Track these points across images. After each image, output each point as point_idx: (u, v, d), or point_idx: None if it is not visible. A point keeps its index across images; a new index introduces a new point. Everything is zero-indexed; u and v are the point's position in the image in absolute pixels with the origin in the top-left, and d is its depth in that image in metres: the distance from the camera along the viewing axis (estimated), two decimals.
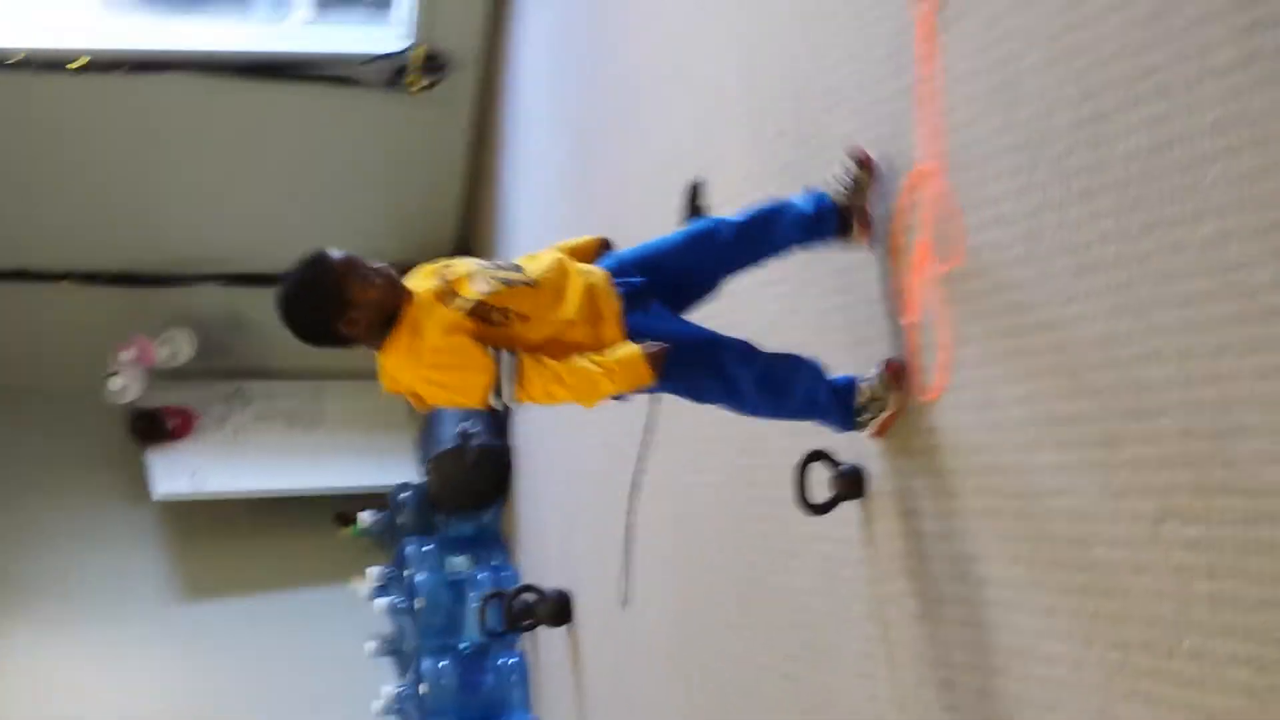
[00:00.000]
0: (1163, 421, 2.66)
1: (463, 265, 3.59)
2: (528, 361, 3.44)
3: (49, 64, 7.96)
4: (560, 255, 3.68)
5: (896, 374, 3.60)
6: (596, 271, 3.65)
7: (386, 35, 8.39)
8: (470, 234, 8.83)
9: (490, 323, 3.45)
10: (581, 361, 3.46)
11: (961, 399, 3.40)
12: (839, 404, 3.66)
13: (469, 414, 7.65)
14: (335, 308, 3.45)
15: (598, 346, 3.50)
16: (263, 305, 8.64)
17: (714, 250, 3.77)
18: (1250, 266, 2.46)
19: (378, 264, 3.52)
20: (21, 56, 7.90)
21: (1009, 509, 3.21)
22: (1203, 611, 2.51)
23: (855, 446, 3.82)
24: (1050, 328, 3.06)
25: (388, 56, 8.22)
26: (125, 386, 8.47)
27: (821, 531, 4.05)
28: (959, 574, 3.40)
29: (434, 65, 8.27)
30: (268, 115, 8.26)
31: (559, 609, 6.85)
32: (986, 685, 3.32)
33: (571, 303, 3.52)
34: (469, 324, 3.43)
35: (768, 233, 3.76)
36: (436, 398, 3.52)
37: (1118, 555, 2.76)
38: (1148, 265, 2.73)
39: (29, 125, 8.11)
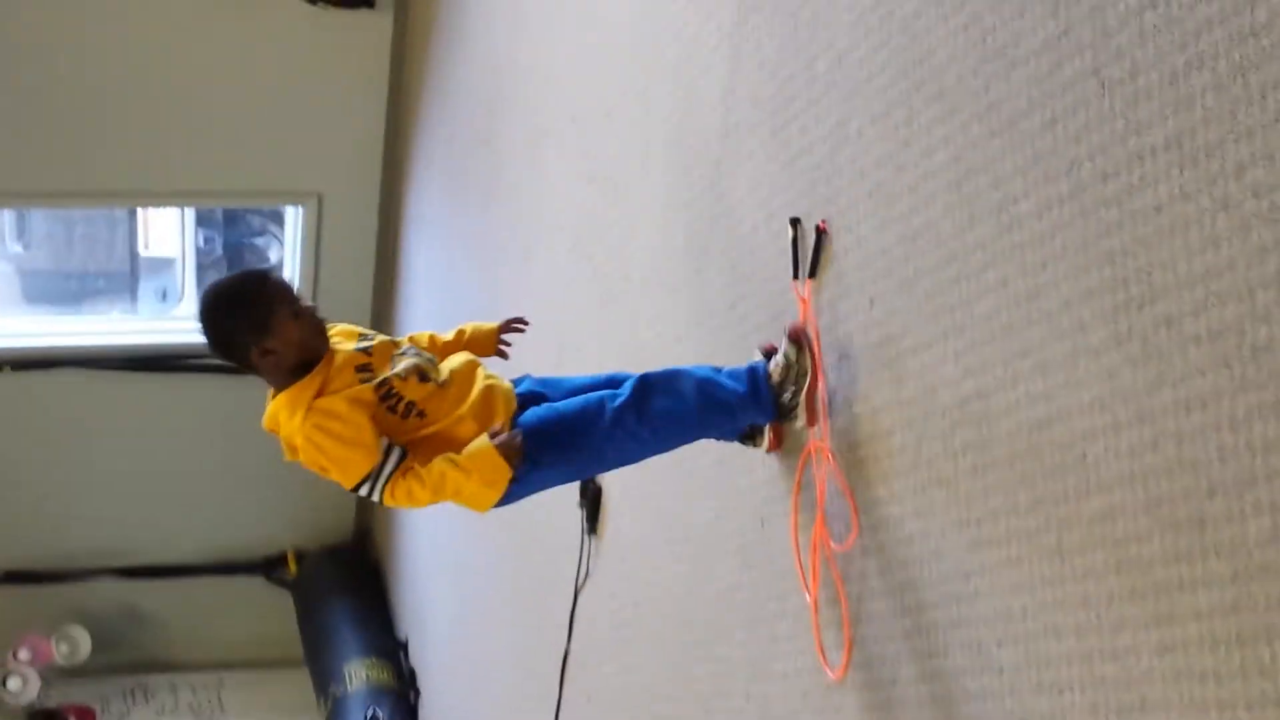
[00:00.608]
0: (1066, 697, 2.66)
1: (387, 342, 3.55)
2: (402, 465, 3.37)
3: None
4: (473, 359, 3.62)
5: (797, 334, 3.46)
6: (504, 383, 3.60)
7: None
8: (369, 517, 8.79)
9: (390, 408, 3.39)
10: (440, 463, 3.35)
11: (865, 678, 3.37)
12: (751, 394, 3.50)
13: (376, 696, 7.57)
14: (255, 331, 3.38)
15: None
16: (159, 597, 8.67)
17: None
18: (1140, 541, 2.48)
19: (313, 307, 3.47)
20: None
21: None
22: None
23: None
24: (949, 603, 3.06)
25: None
26: (22, 687, 8.32)
27: None
28: None
29: None
30: (158, 406, 8.25)
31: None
32: None
33: (468, 400, 3.46)
34: (373, 402, 3.36)
35: (663, 394, 3.53)
36: (312, 460, 3.39)
37: None
38: (1039, 540, 2.74)
39: None
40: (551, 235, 5.53)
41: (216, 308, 3.46)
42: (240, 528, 8.59)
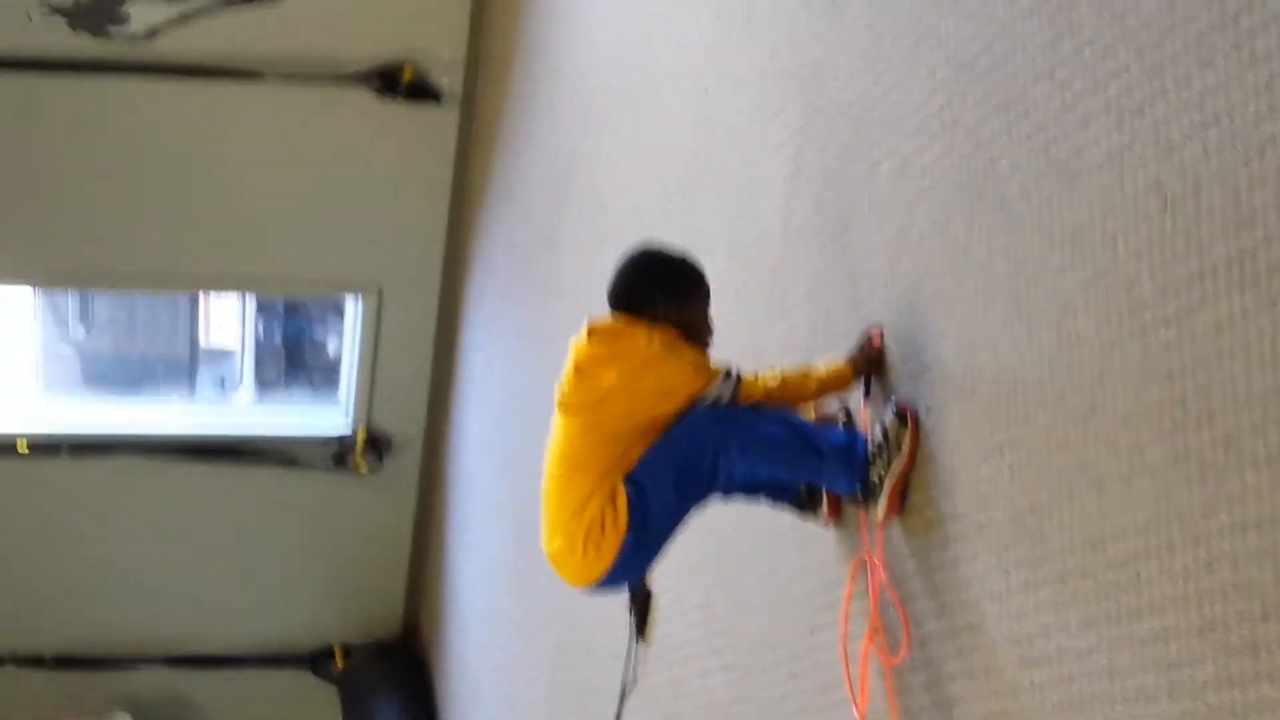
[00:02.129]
0: None
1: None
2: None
3: None
4: None
5: (904, 408, 3.40)
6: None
7: (330, 418, 8.49)
8: (417, 612, 8.78)
9: None
10: None
11: None
12: (847, 448, 3.48)
13: None
14: (677, 299, 3.61)
15: None
16: (205, 687, 8.67)
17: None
18: (1193, 665, 2.45)
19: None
20: None
21: None
22: None
23: None
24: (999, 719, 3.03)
25: (332, 440, 8.30)
26: None
27: None
28: None
29: (378, 447, 8.36)
30: (212, 496, 8.28)
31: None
32: None
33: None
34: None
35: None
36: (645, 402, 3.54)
37: None
38: (1090, 661, 2.71)
39: None
40: None
41: (666, 264, 3.70)
42: (289, 620, 8.60)
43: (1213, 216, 2.40)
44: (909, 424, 3.34)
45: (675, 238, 4.91)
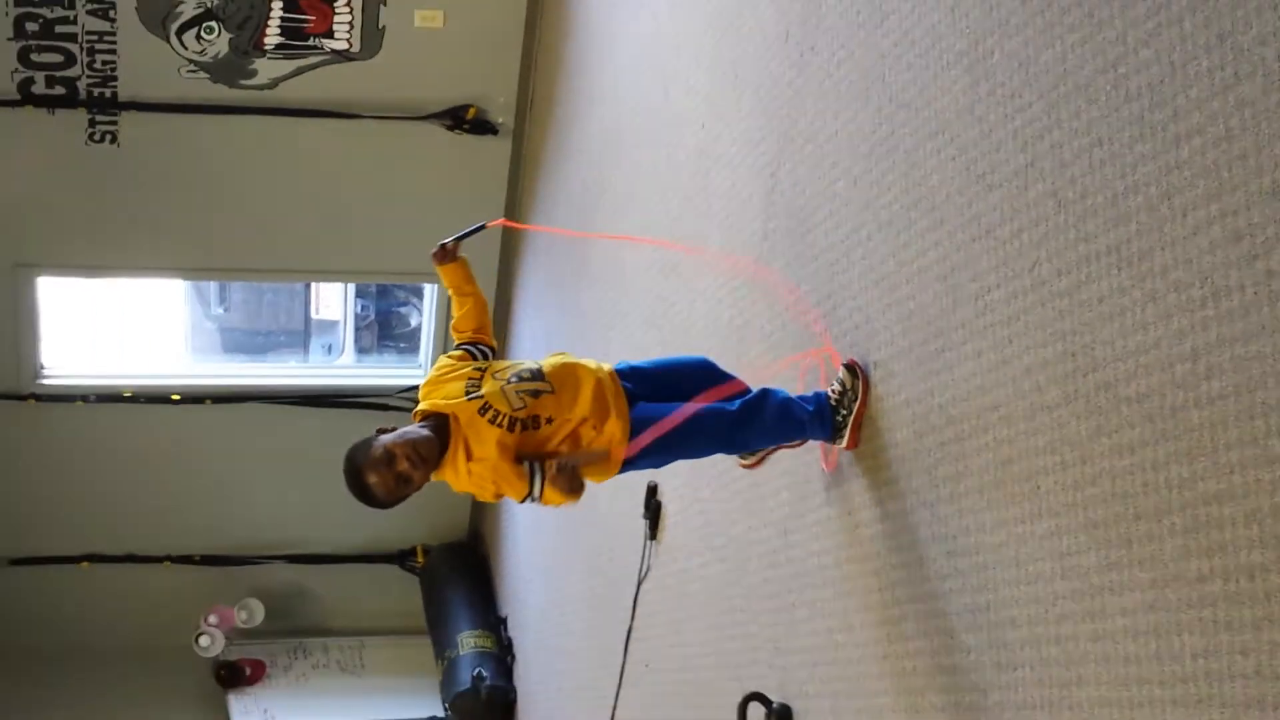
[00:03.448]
0: (1028, 627, 2.64)
1: (490, 381, 3.24)
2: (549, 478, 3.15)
3: (152, 398, 8.04)
4: (564, 358, 3.34)
5: (853, 363, 3.32)
6: (604, 368, 3.35)
7: (411, 372, 8.47)
8: (480, 521, 8.77)
9: (524, 428, 3.14)
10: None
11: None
12: (817, 413, 3.33)
13: (481, 659, 7.54)
14: (388, 497, 3.20)
15: (605, 441, 3.20)
16: (317, 578, 8.66)
17: (710, 391, 3.38)
18: (1080, 554, 2.46)
19: (411, 439, 3.14)
20: (130, 393, 7.99)
21: None
22: None
23: (784, 689, 3.75)
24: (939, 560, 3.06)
25: (413, 388, 8.29)
26: (211, 644, 8.35)
27: None
28: None
29: None
30: (319, 433, 8.25)
31: None
32: None
33: (584, 403, 3.20)
34: (515, 439, 3.14)
35: (760, 413, 3.33)
36: (485, 495, 3.24)
37: None
38: (1001, 553, 2.72)
39: (139, 445, 8.11)
40: (627, 313, 5.56)
41: (361, 489, 3.24)
42: (381, 527, 8.56)
43: (1096, 214, 2.41)
44: (859, 377, 3.31)
45: (679, 238, 4.92)
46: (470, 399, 3.20)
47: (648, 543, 4.91)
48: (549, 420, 3.18)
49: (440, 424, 3.20)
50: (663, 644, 4.83)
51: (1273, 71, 1.98)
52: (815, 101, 3.71)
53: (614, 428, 3.21)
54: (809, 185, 3.74)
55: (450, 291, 3.69)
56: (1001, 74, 2.72)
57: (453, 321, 3.59)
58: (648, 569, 4.95)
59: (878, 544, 3.26)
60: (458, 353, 3.47)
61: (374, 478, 3.15)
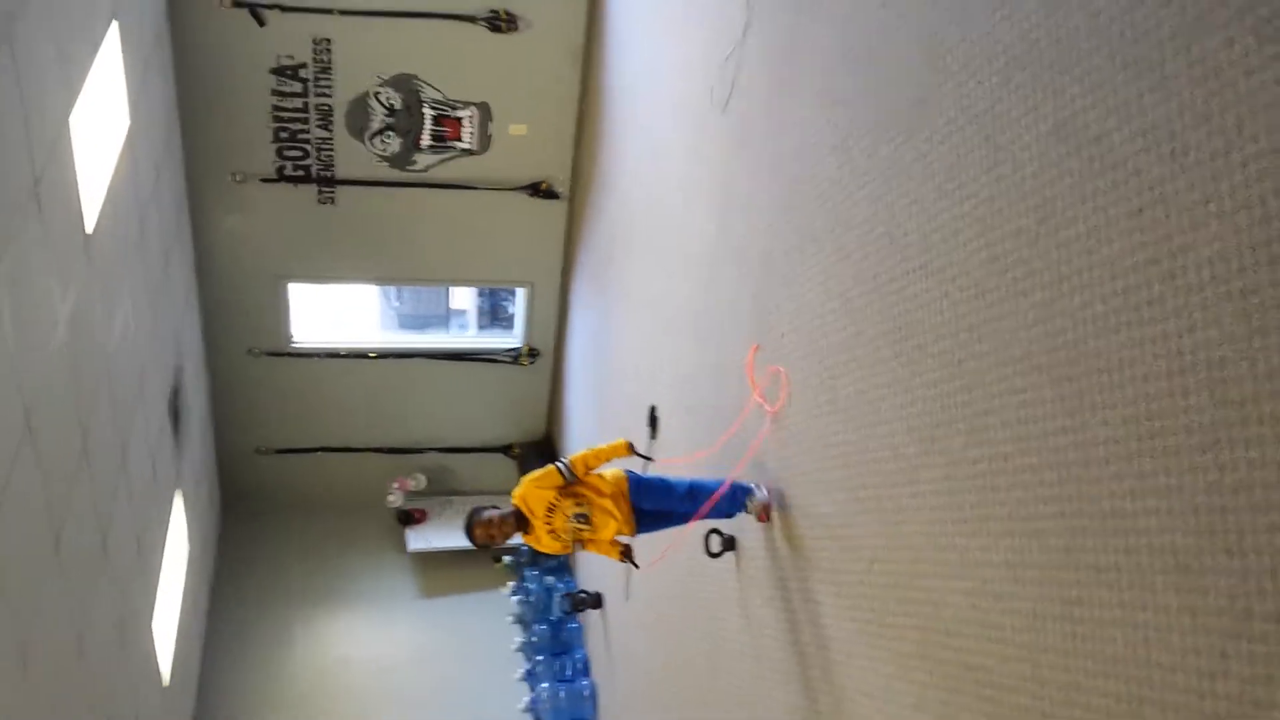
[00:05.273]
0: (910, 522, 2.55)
1: (559, 517, 3.23)
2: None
3: (355, 354, 7.98)
4: (601, 504, 3.27)
5: (765, 511, 3.24)
6: (620, 480, 3.31)
7: (511, 340, 8.39)
8: (552, 425, 8.74)
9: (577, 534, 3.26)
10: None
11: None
12: (730, 494, 3.26)
13: None
14: (478, 542, 3.25)
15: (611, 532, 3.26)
16: (456, 462, 8.59)
17: (684, 508, 3.35)
18: (907, 444, 2.39)
19: (499, 522, 3.21)
20: (344, 352, 7.93)
21: None
22: None
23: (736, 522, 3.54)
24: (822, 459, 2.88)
25: (512, 349, 8.31)
26: (394, 500, 8.37)
27: (715, 571, 3.76)
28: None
29: (533, 353, 8.26)
30: (458, 376, 8.28)
31: (596, 601, 6.67)
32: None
33: (607, 533, 3.27)
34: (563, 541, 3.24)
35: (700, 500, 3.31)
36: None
37: None
38: (864, 456, 2.59)
39: (350, 383, 8.11)
40: (639, 314, 5.38)
41: (469, 531, 3.26)
42: (494, 430, 8.54)
43: (911, 246, 2.34)
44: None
45: (664, 265, 4.70)
46: (545, 522, 3.24)
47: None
48: (586, 540, 3.27)
49: (521, 515, 3.26)
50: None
51: None
52: (745, 176, 3.44)
53: (618, 528, 3.27)
54: (746, 230, 3.49)
55: (597, 457, 3.39)
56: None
57: (584, 455, 3.38)
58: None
59: (783, 452, 3.07)
60: (554, 468, 3.33)
61: (477, 531, 3.24)
